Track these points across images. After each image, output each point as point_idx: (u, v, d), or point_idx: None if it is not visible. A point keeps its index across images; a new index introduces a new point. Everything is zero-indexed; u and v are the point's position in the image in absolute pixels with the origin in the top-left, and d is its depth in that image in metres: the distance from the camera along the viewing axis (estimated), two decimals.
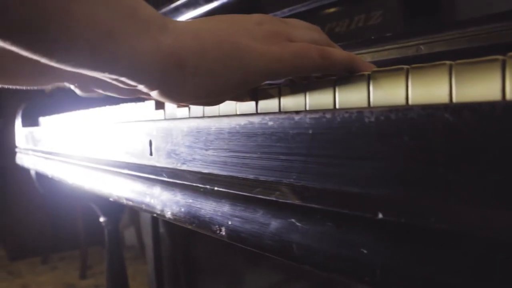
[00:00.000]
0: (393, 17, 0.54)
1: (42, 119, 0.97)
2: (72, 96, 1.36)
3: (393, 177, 0.22)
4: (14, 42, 0.26)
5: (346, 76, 0.31)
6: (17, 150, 1.04)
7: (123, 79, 0.30)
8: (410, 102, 0.26)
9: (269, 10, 0.69)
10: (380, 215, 0.22)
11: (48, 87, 0.57)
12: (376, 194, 0.23)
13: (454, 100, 0.23)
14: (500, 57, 0.21)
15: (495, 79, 0.21)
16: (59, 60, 0.28)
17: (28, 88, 0.57)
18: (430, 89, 0.25)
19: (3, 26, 0.25)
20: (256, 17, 0.34)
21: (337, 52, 0.33)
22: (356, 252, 0.24)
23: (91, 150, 0.61)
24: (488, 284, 0.18)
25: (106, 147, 0.56)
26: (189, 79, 0.31)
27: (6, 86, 0.56)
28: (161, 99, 0.33)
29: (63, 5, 0.25)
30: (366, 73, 0.29)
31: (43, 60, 0.28)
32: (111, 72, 0.29)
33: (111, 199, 0.55)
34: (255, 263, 1.07)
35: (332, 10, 0.63)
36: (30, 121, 1.00)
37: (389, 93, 0.27)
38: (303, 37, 0.34)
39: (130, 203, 0.49)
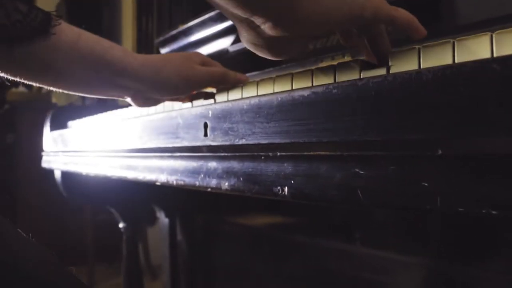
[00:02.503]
0: None
1: (71, 123, 1.02)
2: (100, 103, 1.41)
3: (451, 121, 0.27)
4: None
5: (397, 50, 0.36)
6: (43, 154, 1.09)
7: (247, 13, 0.39)
8: None
9: None
10: (440, 152, 0.28)
11: (103, 97, 0.62)
12: (435, 137, 0.28)
13: None
14: None
15: None
16: None
17: (86, 95, 0.63)
18: (474, 56, 0.30)
19: None
20: None
21: (403, 10, 0.41)
22: (418, 187, 0.29)
23: (134, 142, 0.66)
24: None
25: (150, 137, 0.61)
26: (299, 6, 0.38)
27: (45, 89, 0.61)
28: (272, 29, 0.40)
29: None
30: (416, 46, 0.35)
31: None
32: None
33: (158, 183, 0.60)
34: (278, 270, 1.10)
35: None
36: (59, 125, 1.05)
37: (437, 63, 0.33)
38: None
39: (181, 182, 0.54)
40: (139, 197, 1.18)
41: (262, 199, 1.04)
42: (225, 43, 0.99)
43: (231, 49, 0.96)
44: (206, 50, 1.05)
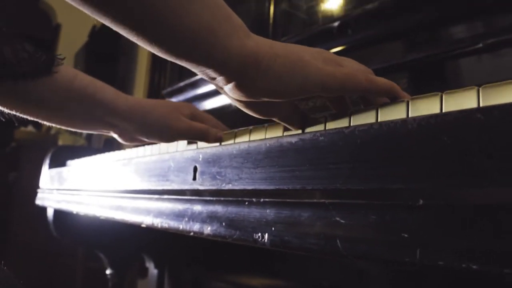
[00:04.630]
0: (417, 83, 0.61)
1: (70, 162, 1.02)
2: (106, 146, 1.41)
3: (434, 171, 0.27)
4: (140, 26, 0.35)
5: (387, 102, 0.36)
6: (39, 191, 1.08)
7: (209, 70, 0.39)
8: None
9: None
10: (421, 202, 0.27)
11: (94, 132, 0.65)
12: (417, 187, 0.27)
13: None
14: None
15: None
16: (168, 48, 0.37)
17: (77, 130, 0.65)
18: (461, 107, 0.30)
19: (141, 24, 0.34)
20: (317, 48, 0.43)
21: (381, 79, 0.40)
22: (398, 238, 0.28)
23: (125, 183, 0.65)
24: None
25: (142, 178, 0.60)
26: (261, 76, 0.39)
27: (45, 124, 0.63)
28: (233, 91, 0.40)
29: (182, 4, 0.34)
30: (405, 99, 0.34)
31: (156, 49, 0.36)
32: (204, 62, 0.38)
33: (143, 225, 0.58)
34: None
35: None
36: (58, 163, 1.05)
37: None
38: (352, 66, 0.42)
39: (166, 225, 0.53)
40: (129, 243, 1.15)
41: (256, 257, 1.02)
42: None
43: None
44: (211, 103, 1.06)
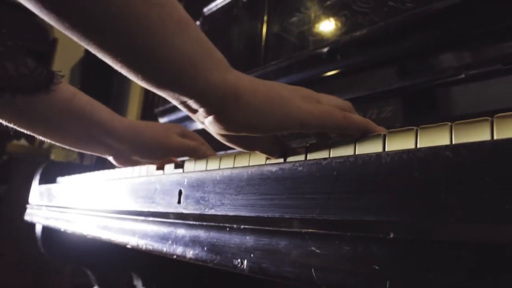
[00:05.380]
0: (401, 112, 0.63)
1: (60, 179, 1.02)
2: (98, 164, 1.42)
3: (404, 205, 0.27)
4: (124, 57, 0.36)
5: (365, 135, 0.37)
6: (28, 206, 1.08)
7: (190, 102, 0.40)
8: None
9: None
10: (392, 235, 0.27)
11: (88, 152, 0.66)
12: (388, 220, 0.28)
13: None
14: (488, 118, 0.28)
15: (486, 132, 0.27)
16: (150, 79, 0.38)
17: (72, 148, 0.66)
18: (434, 144, 0.31)
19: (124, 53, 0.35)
20: (294, 86, 0.44)
21: (357, 116, 0.41)
22: (370, 269, 0.28)
23: (113, 203, 0.66)
24: (481, 283, 0.23)
25: (129, 199, 0.61)
26: (240, 111, 0.40)
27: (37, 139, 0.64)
28: (213, 124, 0.41)
29: (166, 38, 0.35)
30: (382, 132, 0.35)
31: (137, 78, 0.37)
32: (185, 93, 0.39)
33: (128, 246, 0.59)
34: None
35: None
36: (48, 180, 1.05)
37: (400, 148, 0.34)
38: (329, 102, 0.43)
39: (150, 247, 0.53)
40: (117, 261, 1.14)
41: (242, 281, 1.01)
42: None
43: None
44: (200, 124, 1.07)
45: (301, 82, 0.92)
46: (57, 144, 0.64)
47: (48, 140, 0.63)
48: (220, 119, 0.40)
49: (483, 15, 0.61)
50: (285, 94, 0.40)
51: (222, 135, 0.44)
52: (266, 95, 0.40)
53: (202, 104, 0.40)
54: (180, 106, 0.41)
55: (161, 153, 0.63)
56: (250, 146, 0.45)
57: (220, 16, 1.35)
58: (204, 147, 0.66)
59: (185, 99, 0.40)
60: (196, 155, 0.63)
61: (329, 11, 0.93)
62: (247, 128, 0.41)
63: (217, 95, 0.39)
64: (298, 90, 0.43)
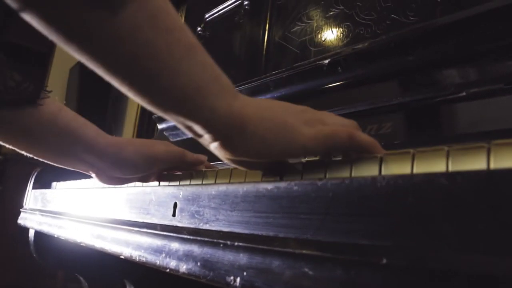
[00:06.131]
0: (401, 128, 0.63)
1: (55, 184, 1.01)
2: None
3: (398, 230, 0.27)
4: (131, 81, 0.36)
5: (362, 156, 0.37)
6: (22, 210, 1.07)
7: (196, 127, 0.40)
8: None
9: None
10: (384, 260, 0.27)
11: (71, 169, 0.65)
12: (381, 245, 0.28)
13: None
14: (485, 144, 0.28)
15: (482, 158, 0.27)
16: (157, 103, 0.38)
17: (54, 164, 0.66)
18: (431, 168, 0.31)
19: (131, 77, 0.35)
20: (301, 106, 0.44)
21: (364, 136, 0.41)
22: None
23: (108, 212, 0.65)
24: None
25: (124, 209, 0.60)
26: (246, 139, 0.40)
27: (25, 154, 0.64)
28: (219, 150, 0.41)
29: (173, 64, 0.35)
30: (378, 155, 0.35)
31: (144, 102, 0.37)
32: (191, 119, 0.39)
33: (122, 256, 0.58)
34: None
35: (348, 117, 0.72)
36: (42, 184, 1.04)
37: (396, 171, 0.33)
38: (334, 122, 0.43)
39: (143, 259, 0.53)
40: (111, 268, 1.14)
41: None
42: None
43: None
44: None
45: (301, 93, 0.92)
46: (40, 159, 0.64)
47: (31, 155, 0.62)
48: (225, 146, 0.41)
49: (489, 32, 0.61)
50: (289, 120, 0.41)
51: (228, 159, 0.44)
52: (271, 123, 0.40)
53: (207, 130, 0.40)
54: (185, 130, 0.41)
55: (144, 165, 0.61)
56: (254, 167, 0.46)
57: (222, 23, 1.35)
58: (194, 154, 0.64)
59: (190, 123, 0.40)
60: (185, 160, 0.62)
61: (332, 22, 0.94)
62: (252, 155, 0.41)
63: (222, 123, 0.39)
64: (303, 113, 0.43)
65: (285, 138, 0.40)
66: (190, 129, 0.41)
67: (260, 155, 0.41)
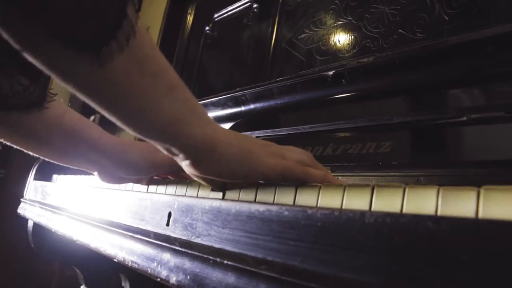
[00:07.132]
0: (400, 148, 0.63)
1: (56, 177, 1.02)
2: None
3: (383, 268, 0.28)
4: (119, 115, 0.40)
5: (356, 184, 0.37)
6: (22, 200, 1.08)
7: (173, 148, 0.45)
8: (404, 211, 0.32)
9: (293, 124, 0.78)
10: None
11: (76, 168, 0.66)
12: (366, 280, 0.28)
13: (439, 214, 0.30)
14: (475, 188, 0.28)
15: (472, 202, 0.28)
16: (140, 131, 0.42)
17: (61, 164, 0.67)
18: (421, 204, 0.31)
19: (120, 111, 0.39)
20: (265, 141, 0.50)
21: (315, 171, 0.47)
22: None
23: (105, 212, 0.66)
24: None
25: (120, 212, 0.61)
26: (214, 160, 0.45)
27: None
28: (189, 167, 0.47)
29: (156, 101, 0.40)
30: (371, 184, 0.36)
31: (128, 129, 0.41)
32: (169, 143, 0.44)
33: (115, 259, 0.59)
34: None
35: (347, 134, 0.72)
36: (43, 176, 1.05)
37: (388, 203, 0.34)
38: (292, 158, 0.49)
39: (136, 265, 0.53)
40: (106, 262, 1.15)
41: None
42: None
43: None
44: None
45: (304, 102, 0.92)
46: (47, 159, 0.65)
47: (39, 156, 0.64)
48: (195, 165, 0.46)
49: (497, 57, 0.61)
50: (255, 150, 0.47)
51: (195, 175, 0.49)
52: (238, 149, 0.46)
53: (181, 152, 0.45)
54: (163, 150, 0.46)
55: (146, 168, 0.63)
56: (219, 187, 0.52)
57: (230, 23, 1.35)
58: None
59: (167, 146, 0.45)
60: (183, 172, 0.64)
61: (339, 32, 0.93)
62: (218, 175, 0.47)
63: (195, 147, 0.44)
64: (267, 146, 0.49)
65: (249, 164, 0.46)
66: (167, 149, 0.46)
67: (224, 176, 0.47)
